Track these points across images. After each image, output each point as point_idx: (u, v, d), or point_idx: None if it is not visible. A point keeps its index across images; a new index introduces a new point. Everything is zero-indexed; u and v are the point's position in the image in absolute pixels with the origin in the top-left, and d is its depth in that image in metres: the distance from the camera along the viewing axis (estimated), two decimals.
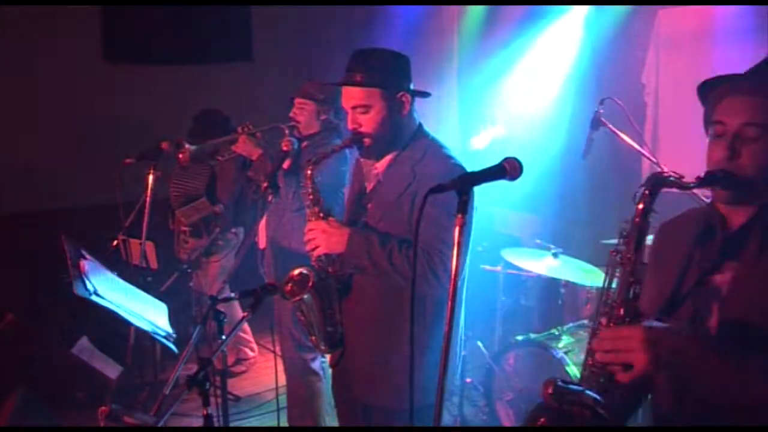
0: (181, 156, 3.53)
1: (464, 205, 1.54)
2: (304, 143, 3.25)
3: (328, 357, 3.43)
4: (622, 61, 4.68)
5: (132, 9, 5.04)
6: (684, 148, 4.51)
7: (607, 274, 1.47)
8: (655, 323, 1.35)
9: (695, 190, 1.47)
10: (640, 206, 1.39)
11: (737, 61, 4.14)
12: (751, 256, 1.38)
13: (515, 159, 1.66)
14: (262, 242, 3.52)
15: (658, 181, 1.39)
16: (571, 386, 1.37)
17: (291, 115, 3.34)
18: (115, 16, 5.09)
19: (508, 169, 1.65)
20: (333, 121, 3.34)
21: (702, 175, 1.39)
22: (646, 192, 1.39)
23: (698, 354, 1.27)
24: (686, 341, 1.29)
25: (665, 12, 4.51)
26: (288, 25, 5.60)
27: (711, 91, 1.47)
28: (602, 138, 3.19)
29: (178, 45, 5.25)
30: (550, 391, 1.38)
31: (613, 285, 1.45)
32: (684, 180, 1.39)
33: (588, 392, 1.35)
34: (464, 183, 1.58)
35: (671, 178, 1.39)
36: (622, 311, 1.39)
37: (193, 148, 3.60)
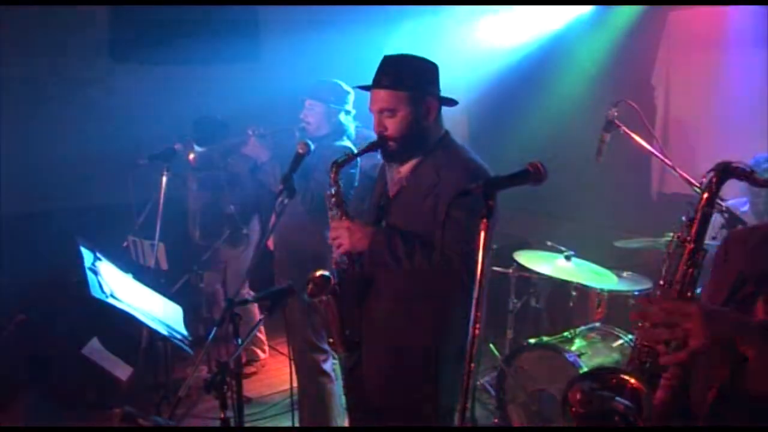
0: (191, 158, 3.53)
1: (490, 210, 1.54)
2: (314, 145, 3.24)
3: (339, 360, 3.45)
4: (633, 63, 4.67)
5: (139, 9, 5.03)
6: (694, 149, 4.52)
7: (665, 260, 1.43)
8: (711, 304, 1.35)
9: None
10: (705, 195, 1.36)
11: (748, 62, 4.16)
12: None
13: (539, 163, 1.66)
14: (271, 243, 3.52)
15: (727, 171, 1.36)
16: (601, 392, 1.36)
17: (302, 116, 3.34)
18: (122, 17, 5.09)
19: (532, 173, 1.65)
20: (343, 123, 3.34)
21: None
22: (714, 179, 1.36)
23: (759, 331, 1.25)
24: (743, 319, 1.28)
25: (676, 13, 4.51)
26: (295, 26, 5.59)
27: None
28: (614, 140, 3.18)
29: (185, 45, 5.22)
30: (578, 396, 1.37)
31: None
32: (756, 176, 1.35)
33: (618, 398, 1.34)
34: (489, 187, 1.58)
35: (742, 168, 1.35)
36: (675, 293, 1.37)
37: (202, 150, 3.60)
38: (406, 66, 2.17)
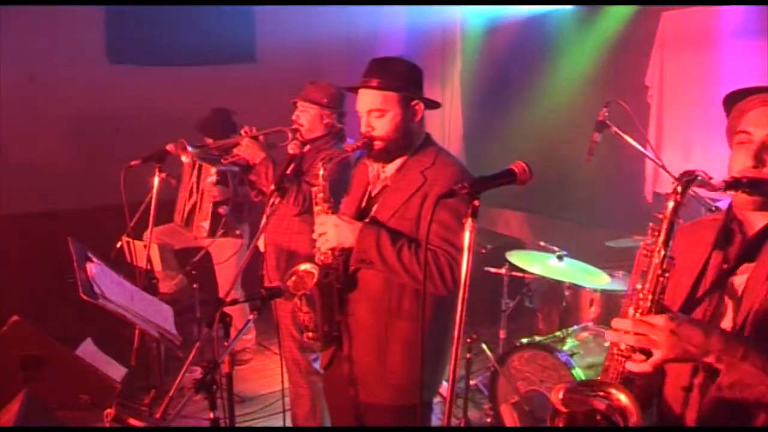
0: (184, 159, 3.52)
1: (475, 210, 1.55)
2: (307, 147, 3.24)
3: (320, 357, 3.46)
4: (626, 63, 4.69)
5: (135, 10, 5.04)
6: (687, 149, 4.53)
7: (636, 271, 1.47)
8: (681, 315, 1.38)
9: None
10: (671, 203, 1.40)
11: (741, 62, 4.17)
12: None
13: (525, 163, 1.67)
14: (262, 245, 3.51)
15: (689, 179, 1.41)
16: (582, 391, 1.36)
17: (293, 118, 3.33)
18: (118, 17, 5.09)
19: (517, 173, 1.67)
20: (336, 125, 3.34)
21: (728, 179, 1.43)
22: (678, 188, 1.40)
23: (724, 347, 1.31)
24: (709, 333, 1.32)
25: (669, 13, 4.52)
26: (292, 27, 5.60)
27: (738, 101, 1.51)
28: (606, 140, 3.20)
29: (181, 46, 5.23)
30: (560, 396, 1.38)
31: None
32: (712, 181, 1.42)
33: (600, 397, 1.34)
34: (475, 188, 1.59)
35: (700, 178, 1.41)
36: (649, 303, 1.41)
37: (195, 150, 3.59)
38: (395, 68, 2.21)
